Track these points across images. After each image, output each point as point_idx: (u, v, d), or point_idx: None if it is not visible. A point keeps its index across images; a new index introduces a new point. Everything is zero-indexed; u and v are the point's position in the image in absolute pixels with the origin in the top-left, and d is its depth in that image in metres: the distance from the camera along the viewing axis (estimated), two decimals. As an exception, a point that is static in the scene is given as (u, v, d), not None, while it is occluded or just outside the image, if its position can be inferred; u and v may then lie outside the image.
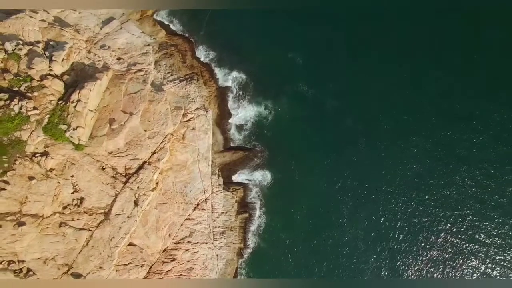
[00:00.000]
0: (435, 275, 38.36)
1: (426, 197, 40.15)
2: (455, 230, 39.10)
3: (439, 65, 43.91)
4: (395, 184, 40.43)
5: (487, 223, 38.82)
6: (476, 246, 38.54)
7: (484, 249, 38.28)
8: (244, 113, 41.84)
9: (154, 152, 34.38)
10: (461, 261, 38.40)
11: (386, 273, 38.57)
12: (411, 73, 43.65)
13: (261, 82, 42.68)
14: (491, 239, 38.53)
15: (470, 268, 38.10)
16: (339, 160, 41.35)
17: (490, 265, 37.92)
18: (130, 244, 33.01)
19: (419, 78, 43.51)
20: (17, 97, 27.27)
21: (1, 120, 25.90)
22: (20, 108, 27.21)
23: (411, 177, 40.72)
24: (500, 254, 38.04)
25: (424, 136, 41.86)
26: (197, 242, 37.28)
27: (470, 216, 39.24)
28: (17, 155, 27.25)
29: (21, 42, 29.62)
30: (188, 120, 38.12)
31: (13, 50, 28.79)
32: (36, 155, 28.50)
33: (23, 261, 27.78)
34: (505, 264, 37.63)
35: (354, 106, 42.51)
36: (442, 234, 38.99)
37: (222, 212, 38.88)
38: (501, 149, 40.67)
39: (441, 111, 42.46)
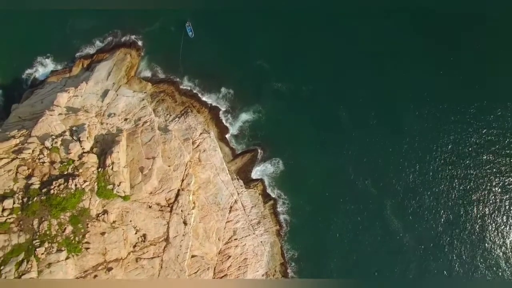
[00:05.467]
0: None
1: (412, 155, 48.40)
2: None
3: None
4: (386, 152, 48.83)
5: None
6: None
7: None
8: (238, 123, 48.32)
9: (182, 180, 40.50)
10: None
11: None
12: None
13: (243, 93, 49.15)
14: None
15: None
16: (328, 135, 48.74)
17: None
18: (193, 256, 39.19)
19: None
20: (70, 178, 34.60)
21: (67, 199, 33.27)
22: (75, 185, 34.47)
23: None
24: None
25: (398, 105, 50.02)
26: (242, 237, 43.85)
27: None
28: (87, 220, 34.54)
29: (53, 136, 36.86)
30: (198, 146, 44.44)
31: (51, 145, 36.15)
32: (99, 215, 35.51)
33: (121, 296, 35.25)
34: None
35: (325, 87, 49.52)
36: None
37: (252, 206, 45.42)
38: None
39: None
